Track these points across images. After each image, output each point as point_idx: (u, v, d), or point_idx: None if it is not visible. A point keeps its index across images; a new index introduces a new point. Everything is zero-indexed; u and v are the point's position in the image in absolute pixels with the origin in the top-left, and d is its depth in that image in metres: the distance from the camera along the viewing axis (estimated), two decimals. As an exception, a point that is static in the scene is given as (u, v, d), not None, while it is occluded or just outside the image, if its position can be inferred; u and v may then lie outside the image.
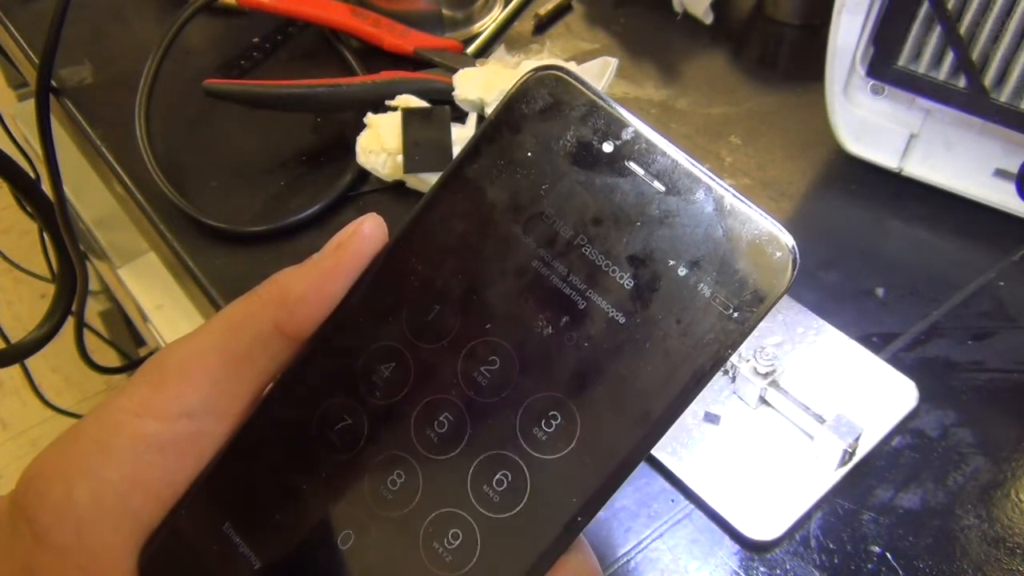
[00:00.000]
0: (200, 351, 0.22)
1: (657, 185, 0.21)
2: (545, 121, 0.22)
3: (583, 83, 0.22)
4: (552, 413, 0.21)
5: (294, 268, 0.23)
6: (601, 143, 0.21)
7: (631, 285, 0.21)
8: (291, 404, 0.23)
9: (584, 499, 0.21)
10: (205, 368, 0.22)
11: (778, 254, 0.20)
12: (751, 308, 0.20)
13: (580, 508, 0.21)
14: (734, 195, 0.21)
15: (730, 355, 0.21)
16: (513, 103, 0.22)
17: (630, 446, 0.21)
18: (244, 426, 0.23)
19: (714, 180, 0.21)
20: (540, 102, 0.22)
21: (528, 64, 0.52)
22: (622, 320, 0.21)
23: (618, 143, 0.21)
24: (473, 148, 0.22)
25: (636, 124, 0.21)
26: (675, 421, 0.21)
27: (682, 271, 0.21)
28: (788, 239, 0.21)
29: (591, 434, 0.21)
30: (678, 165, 0.21)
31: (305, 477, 0.22)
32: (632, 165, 0.21)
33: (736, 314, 0.20)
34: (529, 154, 0.22)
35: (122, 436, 0.21)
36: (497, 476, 0.21)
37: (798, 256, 0.21)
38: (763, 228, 0.21)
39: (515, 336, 0.22)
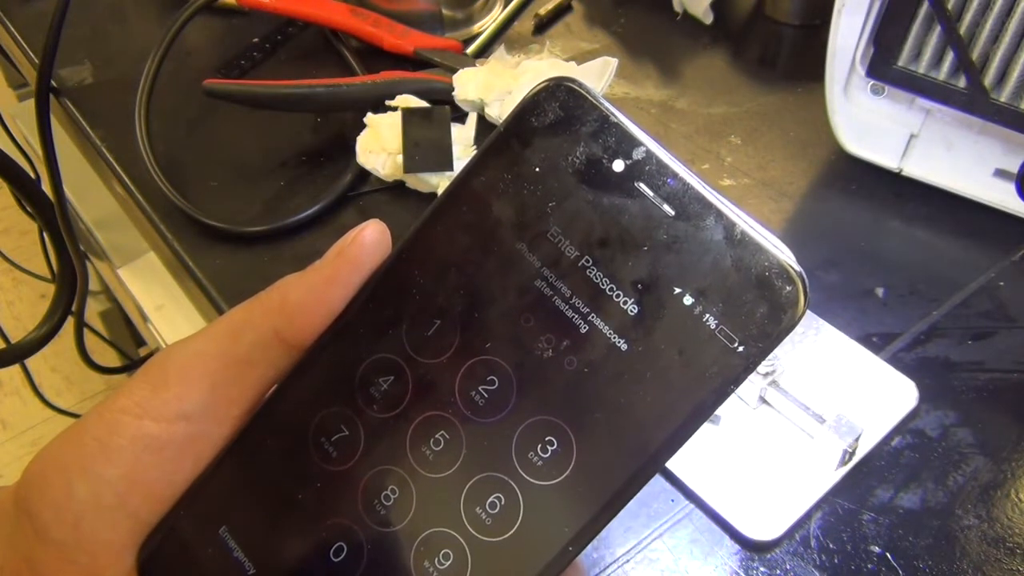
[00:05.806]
0: (200, 354, 0.22)
1: (667, 208, 0.20)
2: (555, 135, 0.21)
3: (596, 97, 0.21)
4: (548, 438, 0.21)
5: (295, 275, 0.23)
6: (611, 161, 0.21)
7: (635, 312, 0.20)
8: (289, 412, 0.22)
9: (576, 528, 0.20)
10: (205, 371, 0.22)
11: (788, 288, 0.19)
12: (757, 343, 0.19)
13: (572, 537, 0.20)
14: (746, 223, 0.20)
15: (733, 391, 0.20)
16: (523, 114, 0.21)
17: (625, 477, 0.20)
18: (242, 431, 0.22)
19: (726, 206, 0.20)
20: (551, 115, 0.21)
21: (528, 64, 0.51)
22: (624, 347, 0.20)
23: (629, 162, 0.21)
24: (480, 160, 0.22)
25: (648, 143, 0.20)
26: (674, 455, 0.20)
27: (688, 300, 0.20)
28: (800, 273, 0.20)
29: (586, 463, 0.20)
30: (689, 188, 0.20)
31: (300, 486, 0.22)
32: (642, 186, 0.20)
33: (741, 348, 0.19)
34: (537, 169, 0.21)
35: (122, 436, 0.21)
36: (490, 499, 0.21)
37: (809, 291, 0.20)
38: (774, 260, 0.19)
39: (514, 357, 0.21)
